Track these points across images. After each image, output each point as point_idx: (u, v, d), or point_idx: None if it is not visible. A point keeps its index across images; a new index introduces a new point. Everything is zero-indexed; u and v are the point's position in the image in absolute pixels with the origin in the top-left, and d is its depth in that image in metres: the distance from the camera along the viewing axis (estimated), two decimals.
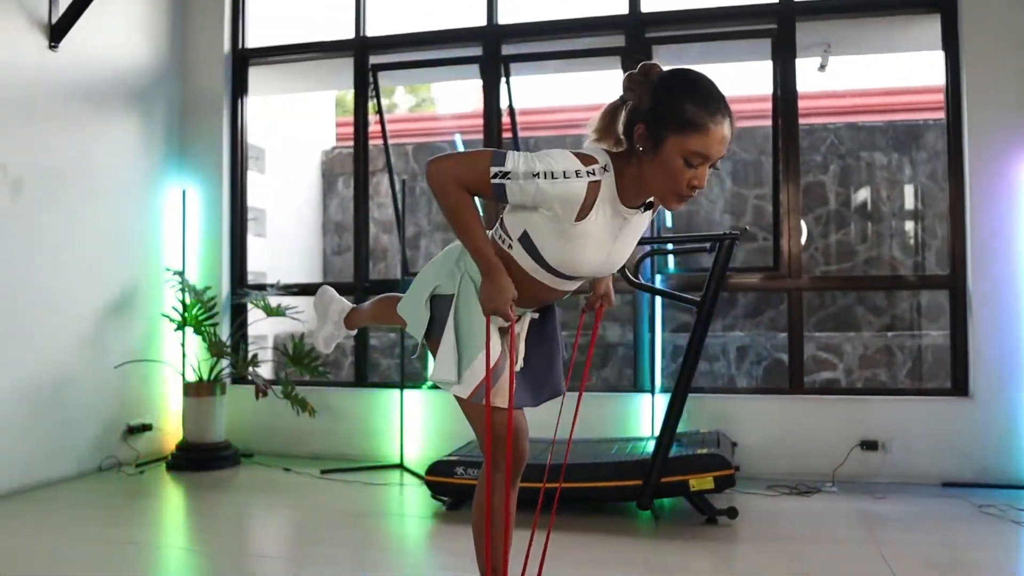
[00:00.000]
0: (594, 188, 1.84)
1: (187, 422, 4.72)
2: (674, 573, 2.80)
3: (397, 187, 5.19)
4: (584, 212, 1.85)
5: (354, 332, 2.75)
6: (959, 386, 4.24)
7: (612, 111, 1.89)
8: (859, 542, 3.22)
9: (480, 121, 4.99)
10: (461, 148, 7.24)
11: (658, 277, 4.77)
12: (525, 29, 4.94)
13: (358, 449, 4.86)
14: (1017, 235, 4.11)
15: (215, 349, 4.61)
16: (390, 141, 5.32)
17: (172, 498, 4.17)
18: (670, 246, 4.34)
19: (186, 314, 4.82)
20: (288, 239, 7.21)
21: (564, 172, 1.82)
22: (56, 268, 4.32)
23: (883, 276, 6.44)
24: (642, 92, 1.82)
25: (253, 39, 5.38)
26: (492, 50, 4.88)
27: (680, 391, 3.50)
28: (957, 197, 4.29)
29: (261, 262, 5.52)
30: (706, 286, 3.45)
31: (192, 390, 4.71)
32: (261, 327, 5.39)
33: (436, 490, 3.75)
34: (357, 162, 5.24)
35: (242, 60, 5.31)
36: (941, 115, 4.59)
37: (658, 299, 4.61)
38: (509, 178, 1.84)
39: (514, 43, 4.92)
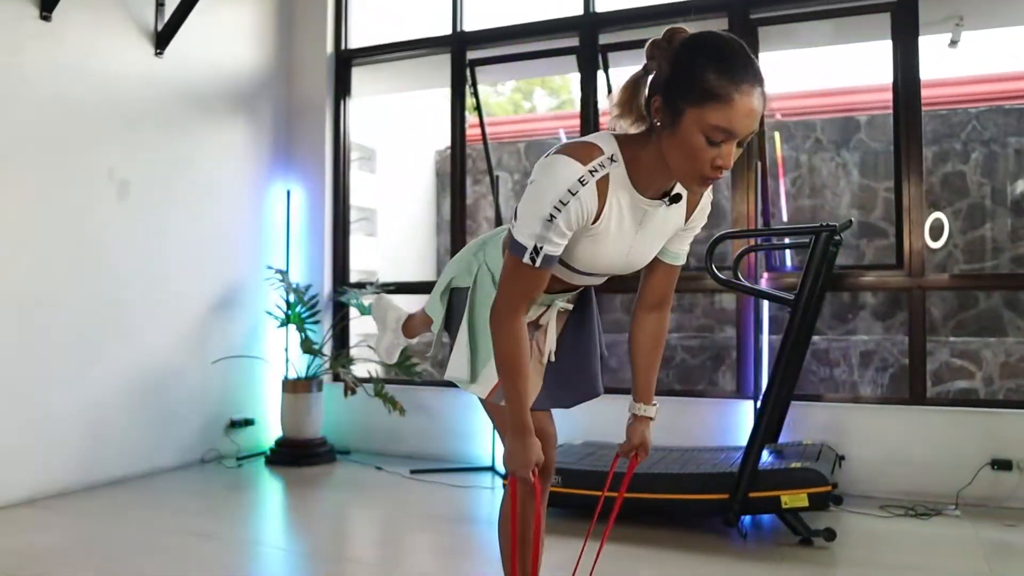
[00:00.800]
0: (603, 184, 1.65)
1: (285, 418, 4.80)
2: None
3: (500, 185, 5.10)
4: (599, 211, 1.67)
5: (414, 340, 2.62)
6: None
7: (634, 83, 1.68)
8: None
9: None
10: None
11: (765, 275, 4.45)
12: (624, 16, 4.73)
13: (450, 449, 4.80)
14: None
15: (306, 347, 4.66)
16: (515, 140, 5.24)
17: (266, 493, 4.23)
18: (762, 240, 4.01)
19: (289, 312, 4.91)
20: (400, 239, 7.26)
21: (569, 190, 1.61)
22: (162, 266, 4.48)
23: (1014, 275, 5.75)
24: (662, 59, 1.61)
25: (355, 40, 5.43)
26: (589, 39, 4.70)
27: (772, 397, 3.21)
28: None
29: (372, 261, 5.56)
30: (800, 283, 3.15)
31: (290, 387, 4.79)
32: (367, 325, 5.42)
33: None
34: (454, 160, 5.18)
35: (345, 61, 5.37)
36: None
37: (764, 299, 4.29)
38: (543, 247, 1.64)
39: (612, 31, 4.72)
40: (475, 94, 5.13)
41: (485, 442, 4.68)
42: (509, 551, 1.99)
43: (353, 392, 4.48)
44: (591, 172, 1.62)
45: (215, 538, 3.24)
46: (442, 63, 5.20)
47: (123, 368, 4.26)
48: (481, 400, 1.96)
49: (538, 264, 1.65)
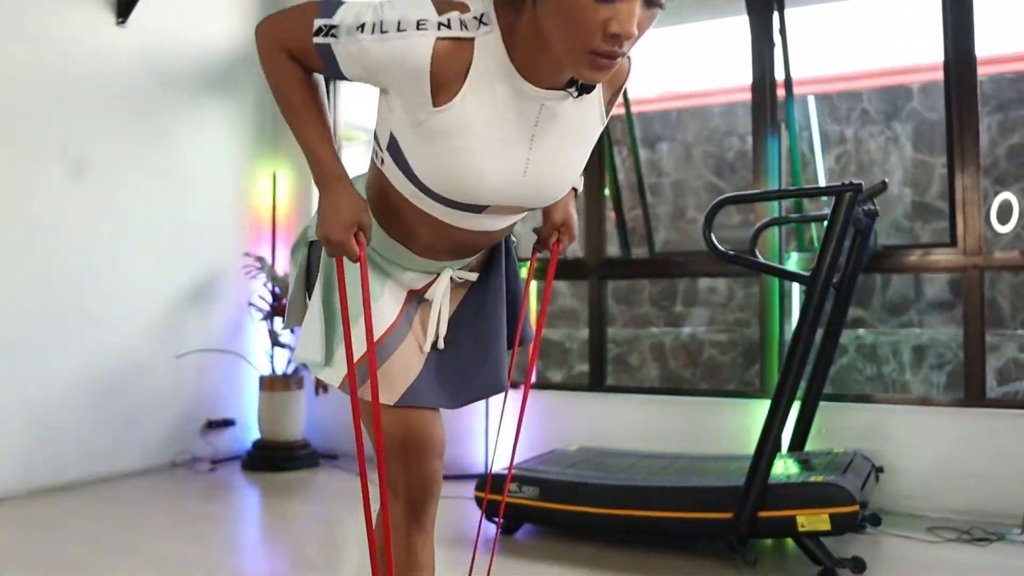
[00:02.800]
0: (455, 50, 1.16)
1: (263, 419, 4.38)
2: None
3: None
4: (446, 90, 1.17)
5: None
6: None
7: None
8: None
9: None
10: None
11: (795, 256, 3.87)
12: None
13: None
14: None
15: (272, 338, 4.24)
16: None
17: (234, 501, 3.81)
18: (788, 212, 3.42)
19: (274, 303, 4.50)
20: None
21: (399, 23, 1.15)
22: (126, 253, 4.10)
23: None
24: None
25: None
26: None
27: (783, 395, 2.66)
28: None
29: None
30: (818, 257, 2.58)
31: (267, 384, 4.37)
32: None
33: (487, 509, 3.10)
34: None
35: None
36: None
37: (795, 285, 3.71)
38: (334, 35, 1.20)
39: None
40: None
41: (479, 444, 4.19)
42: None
43: (325, 391, 4.04)
44: (442, 25, 1.16)
45: (143, 555, 2.82)
46: None
47: (77, 364, 3.89)
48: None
49: (315, 37, 1.21)
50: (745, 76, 3.88)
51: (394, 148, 1.28)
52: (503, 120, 1.21)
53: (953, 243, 3.48)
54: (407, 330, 1.45)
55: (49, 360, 3.77)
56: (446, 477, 3.88)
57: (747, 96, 3.96)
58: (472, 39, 1.16)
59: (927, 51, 5.22)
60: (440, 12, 1.16)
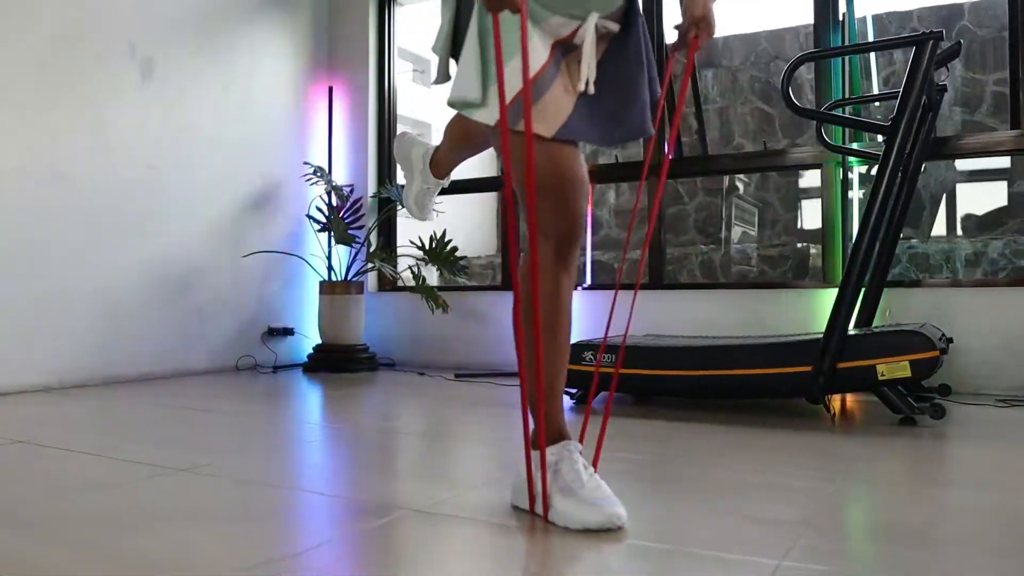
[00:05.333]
0: None
1: (323, 322, 4.46)
2: (836, 461, 2.04)
3: None
4: None
5: (446, 182, 2.18)
6: None
7: None
8: None
9: None
10: None
11: (855, 146, 3.89)
12: None
13: (500, 358, 4.39)
14: None
15: (340, 235, 4.30)
16: None
17: (307, 392, 3.88)
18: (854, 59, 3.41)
19: (330, 216, 4.57)
20: None
21: None
22: (191, 153, 4.18)
23: None
24: None
25: None
26: None
27: (864, 248, 2.67)
28: None
29: None
30: (899, 104, 2.61)
31: (328, 288, 4.44)
32: (413, 227, 5.03)
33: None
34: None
35: None
36: None
37: (854, 163, 3.72)
38: None
39: None
40: None
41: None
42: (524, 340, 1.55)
43: (392, 284, 4.10)
44: None
45: (250, 415, 2.90)
46: None
47: (147, 257, 3.98)
48: (495, 142, 1.54)
49: None
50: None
51: None
52: None
53: (1016, 125, 3.49)
54: (556, 73, 1.50)
55: (121, 253, 3.86)
56: (512, 374, 3.97)
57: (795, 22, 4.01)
58: None
59: None
60: None
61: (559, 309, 1.54)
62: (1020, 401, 3.05)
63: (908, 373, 2.57)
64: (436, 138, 6.55)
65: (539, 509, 1.50)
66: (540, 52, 1.47)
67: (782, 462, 2.07)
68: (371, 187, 4.92)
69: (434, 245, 4.37)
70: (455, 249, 4.34)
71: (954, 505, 1.66)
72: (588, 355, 3.09)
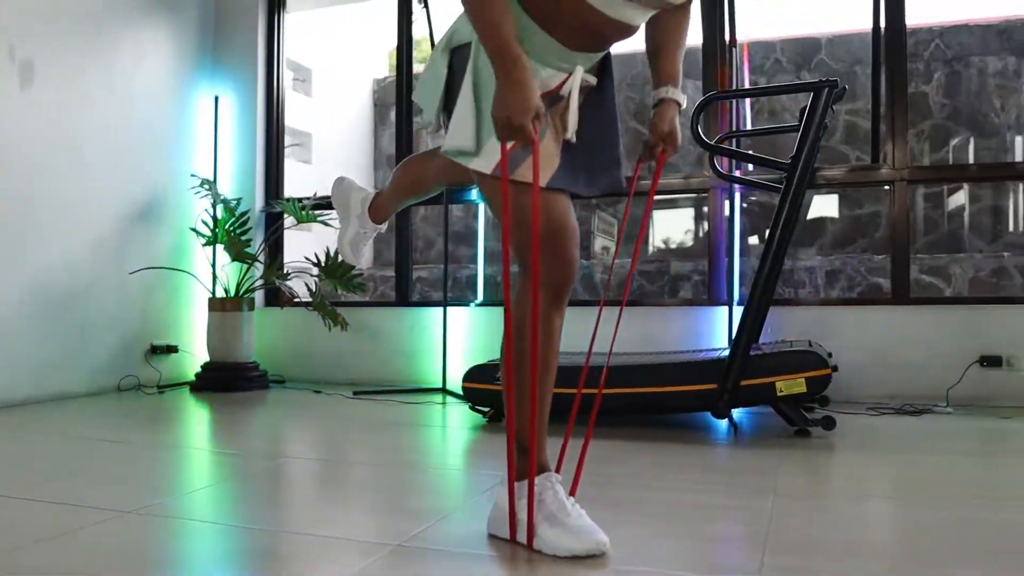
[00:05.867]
0: None
1: (212, 340, 4.32)
2: (760, 477, 2.22)
3: None
4: None
5: (383, 227, 2.19)
6: None
7: None
8: (987, 454, 2.59)
9: None
10: None
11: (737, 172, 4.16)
12: None
13: (397, 372, 4.41)
14: None
15: (236, 252, 4.19)
16: None
17: (194, 413, 3.75)
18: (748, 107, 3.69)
19: (217, 229, 4.43)
20: (336, 169, 6.78)
21: None
22: (73, 163, 3.95)
23: (1001, 164, 5.55)
24: None
25: None
26: None
27: (767, 272, 2.90)
28: None
29: (307, 189, 5.10)
30: (798, 145, 2.85)
31: (218, 305, 4.31)
32: (299, 251, 4.94)
33: (474, 399, 3.24)
34: (400, 83, 4.71)
35: None
36: None
37: (736, 194, 4.00)
38: None
39: None
40: (426, 5, 4.68)
41: (435, 362, 4.30)
42: (516, 374, 1.61)
43: (291, 302, 4.04)
44: None
45: (131, 443, 2.79)
46: None
47: (26, 273, 3.73)
48: (484, 188, 1.60)
49: None
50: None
51: None
52: None
53: (876, 161, 3.86)
54: (546, 124, 1.57)
55: None
56: (412, 391, 4.01)
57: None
58: None
59: (837, 8, 5.67)
60: None
61: (552, 349, 1.62)
62: (889, 409, 3.38)
63: (804, 389, 2.81)
64: (317, 149, 6.45)
65: (521, 538, 1.57)
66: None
67: (714, 481, 2.22)
68: (259, 200, 4.81)
69: (329, 261, 4.32)
70: (351, 268, 4.31)
71: (892, 518, 1.85)
72: (500, 375, 3.17)
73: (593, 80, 1.64)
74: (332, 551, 1.58)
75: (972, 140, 5.68)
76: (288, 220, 4.64)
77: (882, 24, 3.82)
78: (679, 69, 1.67)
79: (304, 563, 1.52)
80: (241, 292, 4.41)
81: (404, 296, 4.66)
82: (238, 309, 4.32)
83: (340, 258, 4.33)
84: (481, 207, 4.82)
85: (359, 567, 1.47)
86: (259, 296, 4.77)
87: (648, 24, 1.65)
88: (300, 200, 4.50)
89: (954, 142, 5.65)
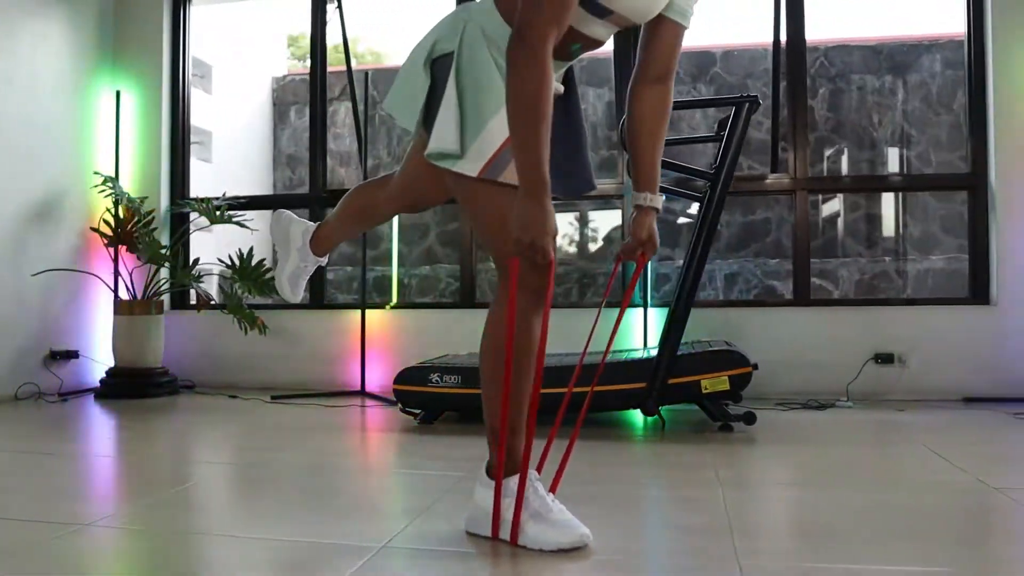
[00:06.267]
0: None
1: (119, 344, 4.15)
2: (702, 470, 2.35)
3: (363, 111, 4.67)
4: None
5: (324, 260, 2.16)
6: (980, 294, 3.88)
7: None
8: (894, 443, 2.82)
9: None
10: None
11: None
12: None
13: (314, 376, 4.36)
14: None
15: (152, 253, 4.04)
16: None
17: (101, 421, 3.60)
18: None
19: (119, 229, 4.26)
20: (236, 168, 6.61)
21: None
22: None
23: (899, 175, 5.99)
24: None
25: None
26: None
27: (692, 276, 3.05)
28: (978, 93, 3.91)
29: (206, 188, 4.96)
30: (720, 155, 3.02)
31: (125, 308, 4.15)
32: (202, 252, 4.80)
33: (406, 401, 3.27)
34: (313, 80, 4.65)
35: None
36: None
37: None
38: None
39: None
40: (339, 10, 4.64)
41: (353, 366, 4.28)
42: (498, 375, 1.66)
43: (207, 305, 3.93)
44: None
45: (55, 454, 2.67)
46: None
47: None
48: (465, 193, 1.63)
49: None
50: None
51: None
52: None
53: (775, 170, 4.10)
54: None
55: None
56: (331, 394, 3.96)
57: None
58: None
59: (733, 23, 5.97)
60: None
61: (532, 351, 1.67)
62: (796, 405, 3.61)
63: (727, 387, 2.98)
64: (216, 147, 6.27)
65: (504, 535, 1.62)
66: None
67: (662, 475, 2.34)
68: (164, 200, 4.65)
69: (243, 263, 4.23)
70: (269, 269, 4.24)
71: (829, 502, 2.00)
72: (435, 377, 3.21)
73: (561, 88, 1.72)
74: (324, 555, 1.59)
75: (847, 151, 6.09)
76: (200, 221, 4.49)
77: (783, 39, 4.06)
78: (658, 172, 1.74)
79: (302, 569, 1.52)
80: (149, 295, 4.25)
81: (319, 298, 4.61)
82: (147, 312, 4.17)
83: (253, 260, 4.25)
84: None
85: (356, 566, 1.49)
86: (165, 299, 4.61)
87: (632, 99, 1.70)
88: (211, 200, 4.37)
89: (827, 152, 6.06)
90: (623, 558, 1.55)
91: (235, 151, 6.58)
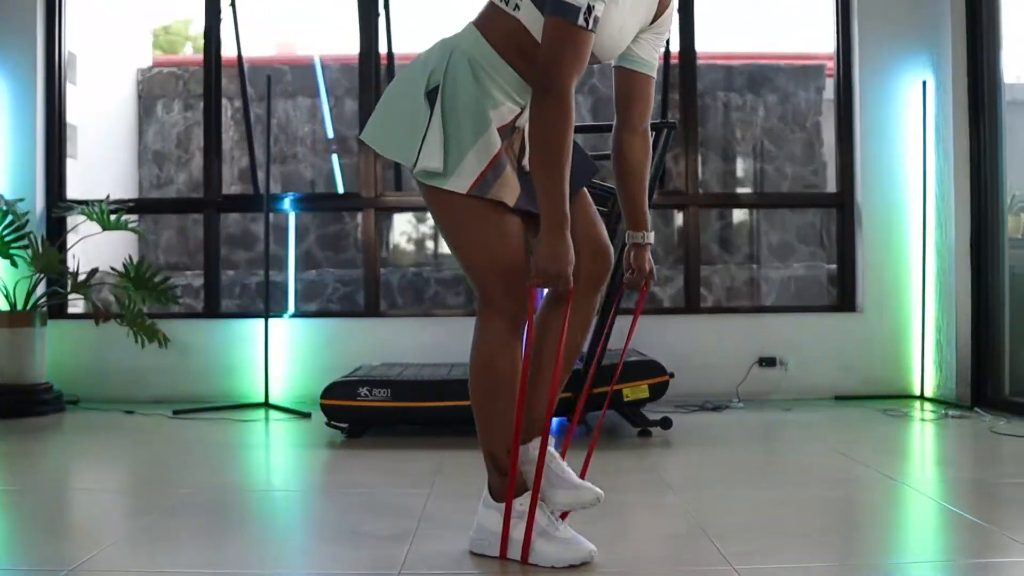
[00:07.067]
0: None
1: None
2: (648, 474, 2.53)
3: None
4: None
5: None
6: (847, 302, 4.30)
7: None
8: (800, 442, 3.13)
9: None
10: (320, 71, 6.56)
11: None
12: None
13: (212, 389, 4.21)
14: (903, 155, 4.20)
15: (47, 261, 3.79)
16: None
17: (43, 446, 3.34)
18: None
19: None
20: (101, 165, 6.22)
21: None
22: None
23: (773, 193, 6.47)
24: None
25: None
26: None
27: (611, 289, 3.22)
28: (847, 117, 4.32)
29: (72, 188, 4.66)
30: (650, 180, 3.20)
31: (4, 319, 3.87)
32: (95, 251, 4.52)
33: (333, 416, 3.26)
34: (208, 75, 4.50)
35: None
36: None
37: None
38: (595, 6, 1.56)
39: None
40: (232, 4, 4.50)
41: (252, 376, 4.17)
42: (487, 399, 1.75)
43: (106, 319, 3.74)
44: None
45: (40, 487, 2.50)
46: None
47: None
48: (445, 216, 1.73)
49: (590, 26, 1.57)
50: None
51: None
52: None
53: (663, 185, 4.39)
54: (505, 155, 1.72)
55: None
56: (233, 407, 3.87)
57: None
58: None
59: None
60: None
61: (514, 379, 1.74)
62: (693, 407, 3.86)
63: (647, 395, 3.19)
64: (82, 144, 5.89)
65: (514, 555, 1.71)
66: (496, 136, 1.68)
67: (610, 482, 2.47)
68: (39, 201, 4.35)
69: (138, 271, 4.04)
70: (167, 277, 4.08)
71: (768, 500, 2.22)
72: (363, 391, 3.23)
73: None
74: None
75: (707, 166, 6.53)
76: (86, 226, 4.23)
77: (673, 54, 4.33)
78: (648, 210, 1.92)
79: None
80: (30, 305, 3.99)
81: (214, 307, 4.47)
82: (29, 324, 3.91)
83: (147, 270, 4.08)
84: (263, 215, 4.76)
85: None
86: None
87: (621, 149, 1.84)
88: (101, 202, 4.13)
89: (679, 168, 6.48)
90: (627, 570, 1.68)
91: (100, 147, 6.21)
